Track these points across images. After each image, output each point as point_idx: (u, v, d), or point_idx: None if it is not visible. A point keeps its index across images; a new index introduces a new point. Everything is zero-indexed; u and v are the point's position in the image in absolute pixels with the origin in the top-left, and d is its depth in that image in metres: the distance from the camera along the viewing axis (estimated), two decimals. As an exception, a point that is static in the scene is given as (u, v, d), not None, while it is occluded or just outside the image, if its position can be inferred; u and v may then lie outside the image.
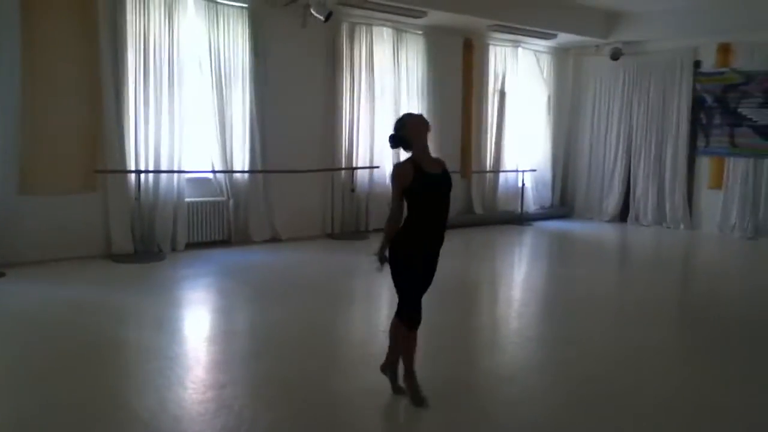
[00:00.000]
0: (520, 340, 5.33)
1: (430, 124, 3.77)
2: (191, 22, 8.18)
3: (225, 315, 5.91)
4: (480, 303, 6.70)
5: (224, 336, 5.25)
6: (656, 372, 4.54)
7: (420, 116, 3.79)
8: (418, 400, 3.73)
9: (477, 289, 6.98)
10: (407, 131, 3.67)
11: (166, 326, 5.36)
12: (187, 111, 8.18)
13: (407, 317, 3.70)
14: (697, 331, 5.73)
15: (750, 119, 10.59)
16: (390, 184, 3.76)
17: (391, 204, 3.72)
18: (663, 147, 11.55)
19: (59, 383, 4.04)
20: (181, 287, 6.74)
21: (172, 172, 7.99)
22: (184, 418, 3.57)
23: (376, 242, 9.46)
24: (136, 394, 3.91)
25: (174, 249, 8.08)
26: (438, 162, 3.75)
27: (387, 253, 3.68)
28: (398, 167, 3.69)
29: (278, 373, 4.28)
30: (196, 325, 5.63)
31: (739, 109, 10.68)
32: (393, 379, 3.92)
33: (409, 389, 3.79)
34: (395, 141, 3.70)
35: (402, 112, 10.00)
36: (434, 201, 3.65)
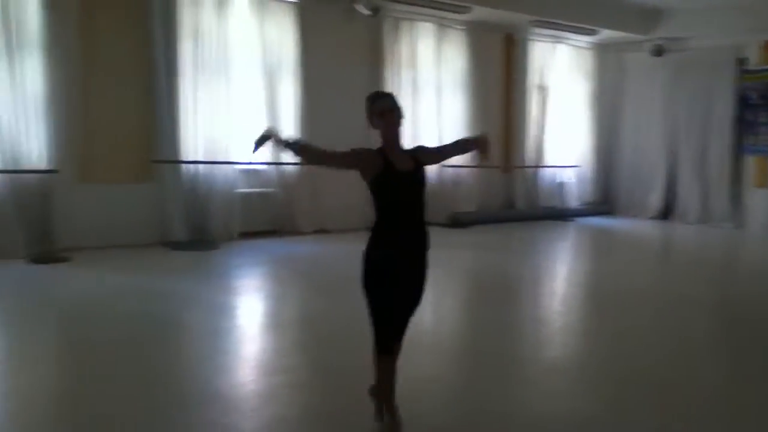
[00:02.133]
0: (571, 334, 5.36)
1: (396, 113, 3.11)
2: (241, 17, 8.33)
3: (282, 303, 6.02)
4: (524, 297, 6.72)
5: (284, 323, 5.37)
6: (704, 366, 4.54)
7: (386, 100, 3.15)
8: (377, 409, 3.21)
9: (520, 284, 7.01)
10: (369, 116, 3.14)
11: (225, 311, 5.48)
12: (239, 103, 8.34)
13: (378, 340, 3.08)
14: (740, 328, 5.65)
15: (797, 117, 10.49)
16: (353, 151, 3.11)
17: (337, 153, 3.14)
18: (707, 144, 11.44)
19: (122, 363, 4.18)
20: (236, 275, 6.89)
21: (225, 163, 8.14)
22: (262, 395, 3.70)
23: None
24: (218, 376, 4.02)
25: (226, 238, 8.22)
26: (411, 156, 3.16)
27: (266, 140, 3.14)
28: (366, 150, 3.10)
29: (337, 361, 4.31)
30: (255, 311, 5.74)
31: (786, 107, 10.58)
32: (378, 408, 3.24)
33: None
34: (367, 107, 3.16)
35: (444, 107, 10.29)
36: (405, 200, 3.08)
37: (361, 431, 3.26)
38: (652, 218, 12.00)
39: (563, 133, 12.02)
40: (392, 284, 3.03)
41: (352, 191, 9.32)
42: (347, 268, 7.15)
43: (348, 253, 7.93)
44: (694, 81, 11.55)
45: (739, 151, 11.18)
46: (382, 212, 3.06)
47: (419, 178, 3.12)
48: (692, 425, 3.48)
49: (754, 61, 10.98)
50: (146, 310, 5.35)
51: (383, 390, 3.18)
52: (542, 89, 11.72)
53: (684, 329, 5.43)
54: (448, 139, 10.34)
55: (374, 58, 9.63)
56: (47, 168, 7.08)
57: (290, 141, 3.15)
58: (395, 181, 3.03)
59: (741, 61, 11.12)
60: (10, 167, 6.94)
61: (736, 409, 3.75)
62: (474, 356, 4.58)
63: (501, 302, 6.09)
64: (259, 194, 8.65)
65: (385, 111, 3.08)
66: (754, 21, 10.35)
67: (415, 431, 3.24)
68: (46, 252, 6.94)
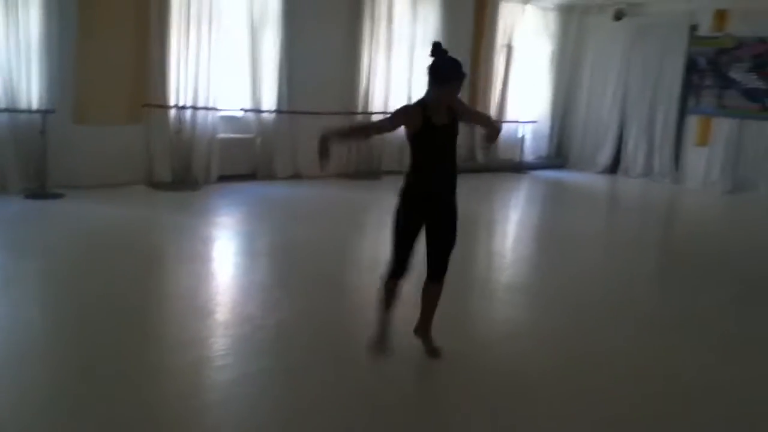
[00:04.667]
0: (527, 264, 6.28)
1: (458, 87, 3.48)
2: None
3: (257, 235, 6.82)
4: (481, 236, 7.62)
5: (260, 251, 6.21)
6: (649, 292, 5.62)
7: (462, 76, 3.49)
8: (380, 348, 3.70)
9: (476, 226, 7.89)
10: (440, 90, 3.46)
11: (206, 242, 6.29)
12: (224, 54, 8.85)
13: (392, 264, 3.61)
14: (673, 265, 6.80)
15: (738, 82, 11.39)
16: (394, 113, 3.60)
17: (381, 121, 3.66)
18: (655, 105, 12.30)
19: (111, 288, 4.94)
20: (215, 212, 7.62)
21: (209, 109, 8.72)
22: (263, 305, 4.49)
23: (389, 183, 10.39)
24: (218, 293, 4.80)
25: (207, 180, 8.84)
26: (447, 111, 3.51)
27: (327, 145, 3.38)
28: (407, 110, 3.55)
29: (322, 275, 5.18)
30: (230, 241, 6.55)
31: (729, 73, 11.46)
32: (377, 336, 3.73)
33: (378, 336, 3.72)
34: (432, 68, 3.49)
35: (416, 62, 10.90)
36: (440, 149, 3.52)
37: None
38: (600, 172, 12.95)
39: (524, 90, 12.77)
40: (417, 218, 3.52)
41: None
42: (321, 208, 8.07)
43: (321, 196, 8.83)
44: (650, 45, 12.30)
45: (683, 111, 12.09)
46: (419, 159, 3.50)
47: (453, 131, 3.53)
48: (638, 336, 4.47)
49: (705, 28, 11.76)
50: (134, 241, 6.06)
51: (383, 314, 3.67)
52: (508, 48, 12.38)
53: (627, 264, 6.50)
54: (417, 90, 11.07)
55: (354, 13, 10.15)
56: (44, 108, 7.57)
57: (341, 131, 3.67)
58: (432, 134, 3.44)
59: (693, 28, 11.91)
60: (9, 106, 7.42)
61: (670, 321, 4.81)
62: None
63: (459, 237, 6.96)
64: (238, 139, 9.26)
65: (454, 94, 3.49)
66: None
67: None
68: (41, 188, 7.51)
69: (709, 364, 4.06)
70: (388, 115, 3.58)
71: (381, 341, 3.67)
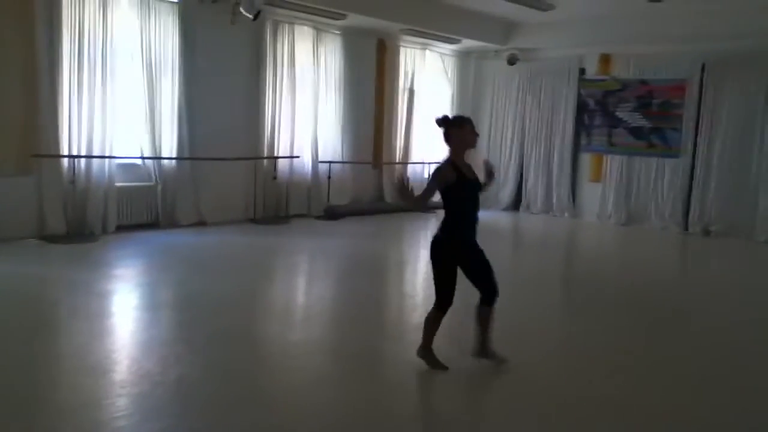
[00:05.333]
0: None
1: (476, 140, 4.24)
2: (124, 14, 8.55)
3: (167, 287, 6.54)
4: (390, 276, 7.63)
5: (161, 304, 5.91)
6: (553, 323, 5.76)
7: (473, 128, 4.22)
8: (434, 363, 4.33)
9: (386, 265, 7.90)
10: (460, 134, 4.15)
11: (100, 296, 5.95)
12: (119, 100, 8.57)
13: (440, 302, 4.22)
14: (578, 293, 7.09)
15: (625, 121, 12.15)
16: (430, 178, 4.19)
17: (428, 189, 4.12)
18: (551, 144, 12.95)
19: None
20: (116, 265, 7.24)
21: (105, 157, 8.37)
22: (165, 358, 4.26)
23: (297, 227, 10.23)
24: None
25: (105, 231, 8.45)
26: (470, 168, 4.23)
27: (405, 194, 4.00)
28: (443, 169, 4.11)
29: (227, 327, 5.00)
30: (126, 295, 6.21)
31: (617, 113, 12.22)
32: (432, 361, 4.33)
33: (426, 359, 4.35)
34: (445, 126, 4.16)
35: (321, 106, 10.97)
36: (471, 201, 4.17)
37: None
38: (504, 209, 13.39)
39: (428, 132, 13.06)
40: (457, 259, 4.13)
41: (229, 186, 9.93)
42: (227, 255, 7.84)
43: (227, 243, 8.60)
44: (543, 87, 13.00)
45: (577, 150, 12.76)
46: (456, 209, 4.13)
47: (479, 183, 4.22)
48: (549, 362, 4.52)
49: (592, 71, 12.54)
50: (22, 299, 5.66)
51: (430, 341, 4.32)
52: (410, 92, 12.69)
53: (536, 297, 6.68)
54: (323, 134, 11.15)
55: (255, 58, 10.12)
56: None
57: (416, 195, 4.07)
58: (466, 185, 4.11)
59: (581, 71, 12.66)
60: None
61: (579, 347, 5.00)
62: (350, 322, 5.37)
63: (370, 279, 6.97)
64: (137, 188, 8.92)
65: (475, 132, 4.24)
66: (593, 35, 11.78)
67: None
68: None
69: (617, 385, 4.19)
70: (428, 182, 4.18)
71: (435, 363, 4.30)
